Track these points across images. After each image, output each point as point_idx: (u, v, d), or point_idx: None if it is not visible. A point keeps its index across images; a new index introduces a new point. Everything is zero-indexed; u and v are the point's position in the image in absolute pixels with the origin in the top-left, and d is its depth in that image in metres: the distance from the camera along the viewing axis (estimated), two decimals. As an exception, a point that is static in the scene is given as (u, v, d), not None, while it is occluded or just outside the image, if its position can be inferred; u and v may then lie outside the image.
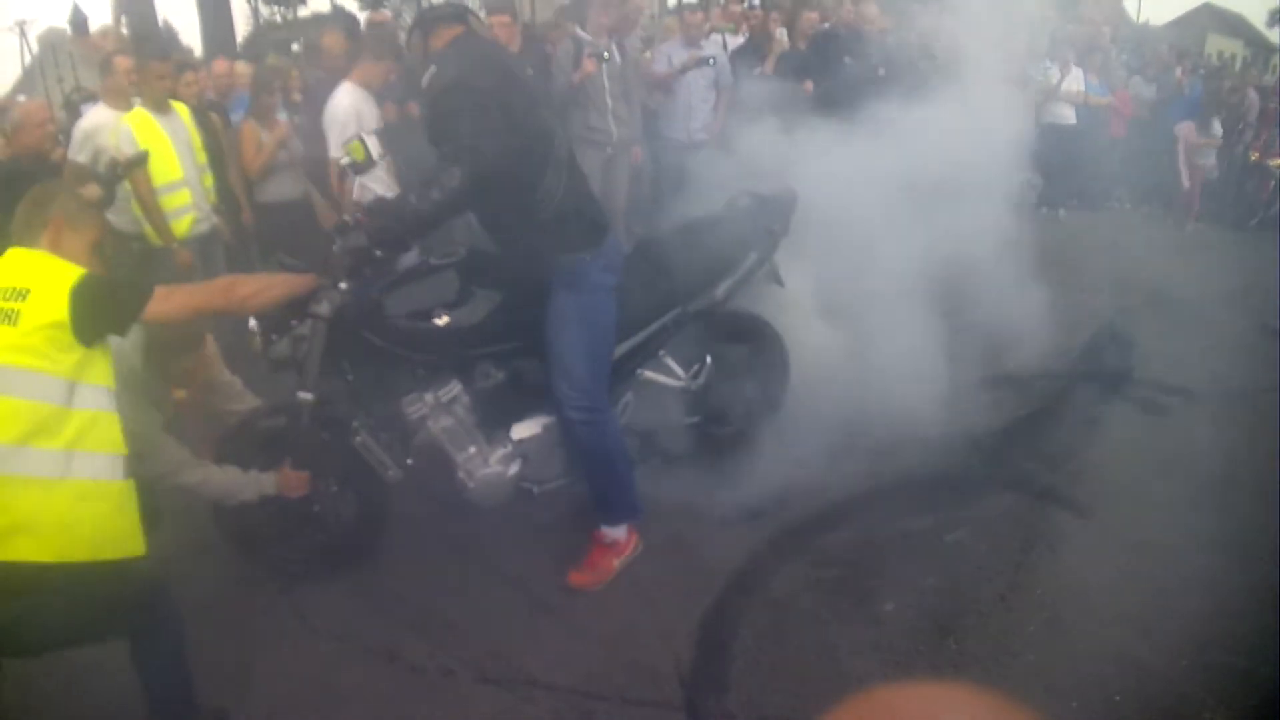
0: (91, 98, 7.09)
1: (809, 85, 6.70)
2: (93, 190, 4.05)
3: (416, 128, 4.37)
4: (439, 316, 3.20)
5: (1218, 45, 33.80)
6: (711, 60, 6.55)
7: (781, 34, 7.26)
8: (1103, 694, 2.77)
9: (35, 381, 2.22)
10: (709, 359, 3.92)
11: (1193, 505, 3.59)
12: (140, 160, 4.53)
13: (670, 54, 6.75)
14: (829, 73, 6.77)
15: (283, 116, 5.77)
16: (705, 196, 4.36)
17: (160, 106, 4.87)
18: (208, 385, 3.59)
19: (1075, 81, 9.06)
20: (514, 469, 3.39)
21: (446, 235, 4.29)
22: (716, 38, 7.32)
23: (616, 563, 3.41)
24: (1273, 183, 9.52)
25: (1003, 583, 3.33)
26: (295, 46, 9.74)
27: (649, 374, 3.73)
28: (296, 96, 6.30)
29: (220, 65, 6.96)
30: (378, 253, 2.98)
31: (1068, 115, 8.96)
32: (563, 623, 3.20)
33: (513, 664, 2.99)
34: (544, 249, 3.14)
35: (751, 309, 4.01)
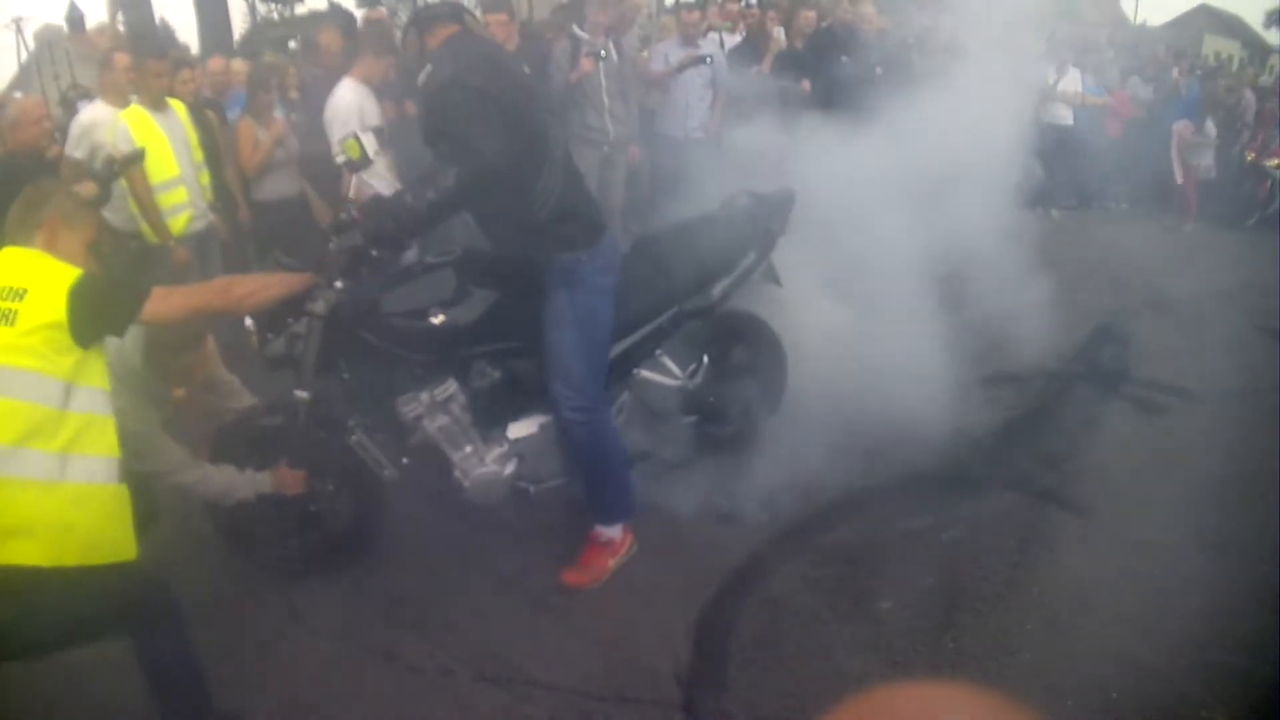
0: (88, 95, 7.08)
1: (806, 84, 6.70)
2: (89, 188, 4.05)
3: (414, 126, 4.37)
4: (435, 315, 3.20)
5: (1214, 46, 33.88)
6: (708, 59, 6.55)
7: (779, 33, 7.27)
8: (1101, 693, 2.77)
9: (33, 383, 2.21)
10: (706, 358, 3.91)
11: (1190, 504, 3.59)
12: (136, 157, 4.52)
13: (667, 53, 6.75)
14: (826, 72, 6.77)
15: (279, 114, 5.77)
16: (702, 195, 4.36)
17: (157, 104, 4.86)
18: (207, 384, 3.59)
19: (1072, 82, 9.08)
20: (510, 468, 3.38)
21: (443, 234, 4.28)
22: (714, 36, 7.32)
23: (611, 562, 3.40)
24: (1269, 183, 9.53)
25: (1000, 581, 3.33)
26: (292, 44, 9.73)
27: (646, 373, 3.73)
28: (293, 94, 6.29)
29: (217, 63, 6.95)
30: (373, 252, 2.97)
31: (1065, 115, 8.98)
32: (561, 622, 3.20)
33: (511, 663, 2.99)
34: (540, 248, 3.14)
35: (749, 308, 4.00)
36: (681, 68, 6.52)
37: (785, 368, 4.09)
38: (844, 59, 6.92)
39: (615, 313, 3.30)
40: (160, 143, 4.77)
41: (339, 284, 2.98)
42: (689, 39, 6.73)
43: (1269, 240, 8.18)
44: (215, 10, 11.39)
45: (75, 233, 2.47)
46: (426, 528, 3.65)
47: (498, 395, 3.36)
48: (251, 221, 5.72)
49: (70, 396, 2.26)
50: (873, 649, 3.01)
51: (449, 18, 3.08)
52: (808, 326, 4.25)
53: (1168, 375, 5.06)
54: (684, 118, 6.62)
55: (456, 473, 3.30)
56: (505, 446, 3.38)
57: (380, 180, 4.72)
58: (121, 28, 9.83)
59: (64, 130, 5.41)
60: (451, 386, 3.26)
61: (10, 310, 2.21)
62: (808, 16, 7.40)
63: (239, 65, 6.95)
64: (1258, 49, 36.42)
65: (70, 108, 7.64)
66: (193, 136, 5.07)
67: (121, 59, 5.09)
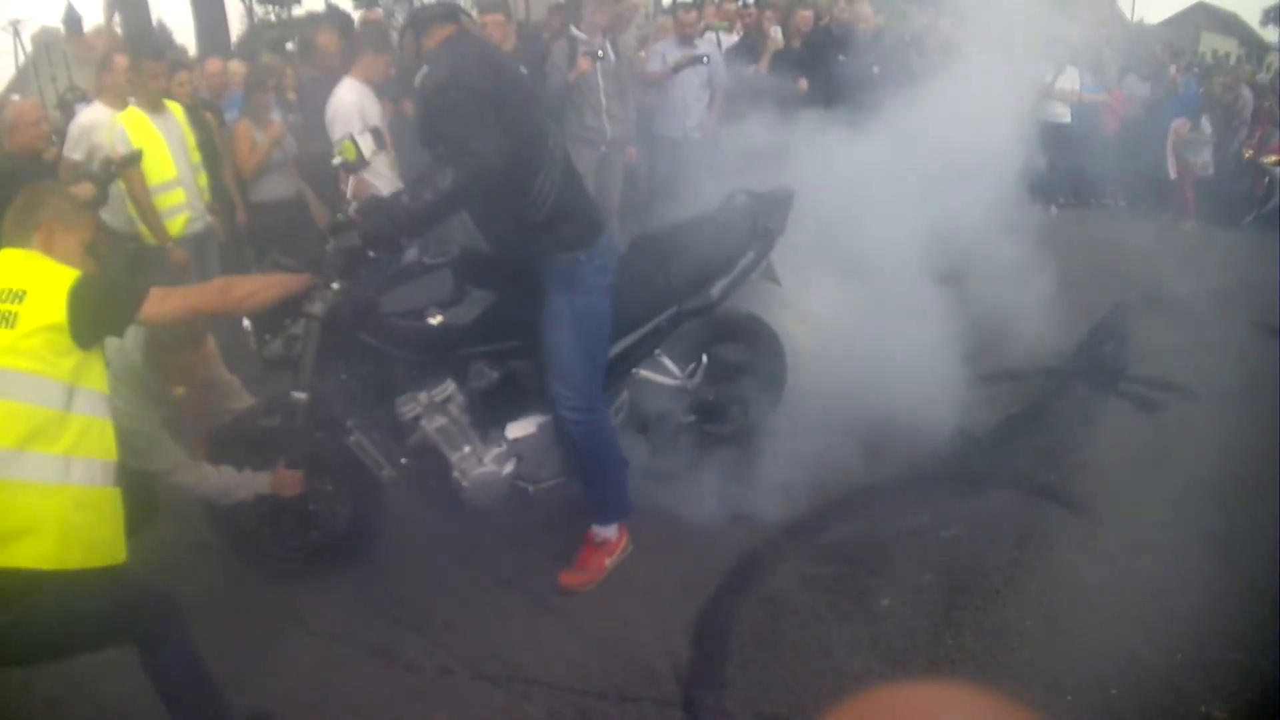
0: (85, 97, 7.07)
1: (803, 83, 6.71)
2: (86, 189, 4.05)
3: (412, 126, 4.37)
4: (433, 316, 3.20)
5: (1212, 44, 33.86)
6: (705, 59, 6.55)
7: (776, 32, 7.28)
8: (1100, 689, 2.77)
9: (34, 385, 2.21)
10: (705, 358, 3.91)
11: (1189, 501, 3.59)
12: (134, 159, 4.52)
13: (664, 53, 6.76)
14: (823, 71, 6.78)
15: (277, 115, 5.77)
16: (700, 195, 4.36)
17: (154, 106, 4.87)
18: (207, 384, 3.59)
19: (1070, 80, 9.08)
20: (509, 468, 3.38)
21: (441, 234, 4.28)
22: (711, 36, 7.33)
23: (608, 562, 3.40)
24: (1267, 180, 9.54)
25: (999, 579, 3.34)
26: (290, 45, 9.70)
27: (645, 373, 3.73)
28: (291, 95, 6.29)
29: (214, 64, 6.95)
30: (371, 253, 2.97)
31: (1062, 113, 8.98)
32: (560, 621, 3.20)
33: (510, 662, 2.99)
34: (538, 248, 3.13)
35: (748, 308, 4.00)
36: (678, 68, 6.53)
37: (784, 367, 4.09)
38: (841, 58, 6.93)
39: (614, 312, 3.30)
40: (158, 144, 4.78)
41: (336, 285, 2.98)
42: (686, 39, 6.74)
43: (1266, 237, 8.18)
44: (212, 11, 11.38)
45: (72, 234, 2.47)
46: (425, 528, 3.65)
47: (496, 395, 3.36)
48: (249, 223, 5.72)
49: (73, 398, 2.26)
50: (872, 647, 3.01)
51: (446, 18, 3.07)
52: (806, 325, 4.25)
53: (1166, 372, 5.07)
54: (681, 118, 6.62)
55: (455, 473, 3.30)
56: (504, 446, 3.37)
57: (382, 179, 4.74)
58: (119, 30, 9.81)
59: (61, 133, 5.41)
60: (450, 387, 3.26)
61: (10, 313, 2.21)
62: (805, 16, 7.42)
63: (236, 67, 6.94)
64: (1255, 46, 36.45)
65: (68, 110, 7.63)
66: (190, 138, 5.07)
67: (120, 60, 5.09)
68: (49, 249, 2.40)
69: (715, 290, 3.69)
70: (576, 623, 3.19)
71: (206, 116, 5.70)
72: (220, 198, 5.46)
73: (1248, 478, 3.79)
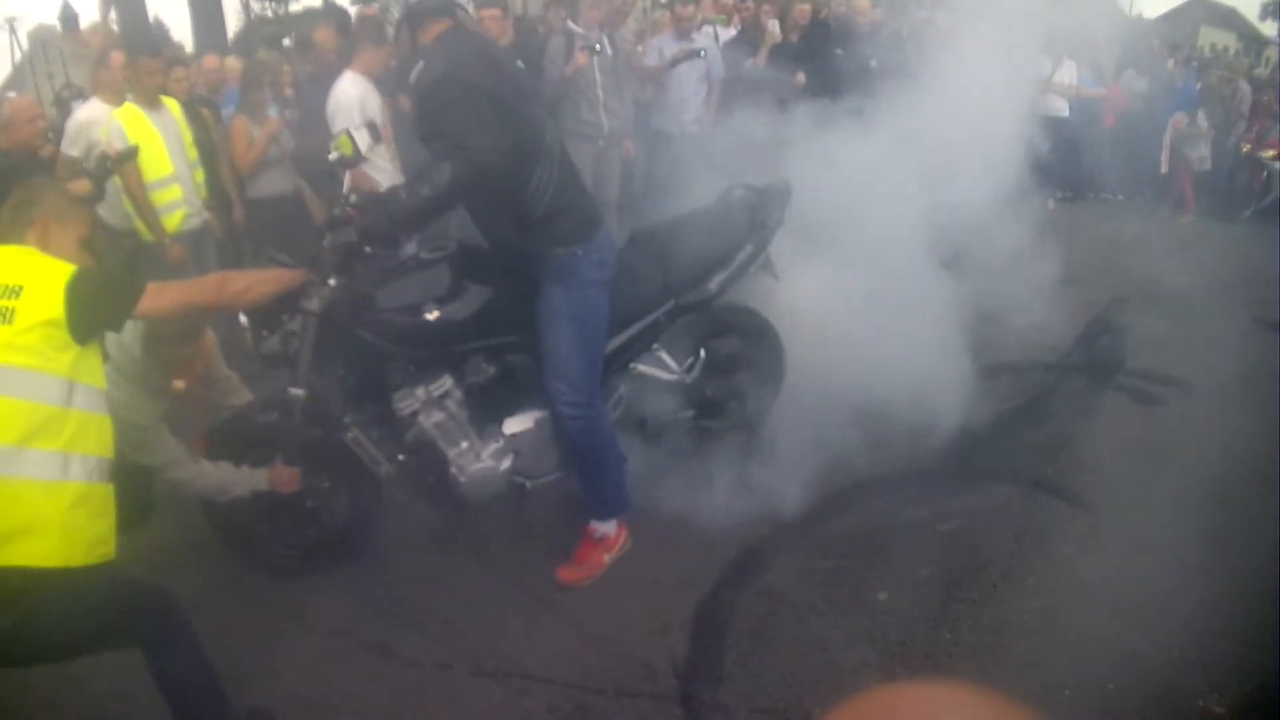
0: (81, 94, 7.05)
1: (801, 77, 6.70)
2: (82, 185, 4.04)
3: (412, 120, 4.37)
4: (430, 311, 3.19)
5: (1210, 38, 33.80)
6: (702, 53, 6.53)
7: (774, 26, 7.25)
8: (1098, 684, 2.78)
9: (33, 381, 2.20)
10: (703, 352, 3.91)
11: (1187, 496, 3.59)
12: (129, 155, 4.51)
13: (661, 47, 6.74)
14: (821, 64, 6.77)
15: (273, 111, 5.75)
16: (698, 189, 4.35)
17: (151, 102, 4.86)
18: (207, 379, 3.58)
19: (1068, 74, 9.07)
20: (506, 464, 3.38)
21: (438, 229, 4.27)
22: (708, 30, 7.31)
23: (606, 558, 3.41)
24: (1265, 174, 9.53)
25: (997, 573, 3.34)
26: (286, 41, 9.67)
27: (643, 368, 3.72)
28: (288, 91, 6.27)
29: (211, 60, 6.94)
30: (367, 249, 2.96)
31: (1060, 107, 8.97)
32: (558, 617, 3.20)
33: (509, 658, 2.99)
34: (535, 243, 3.13)
35: (746, 302, 4.00)
36: (675, 62, 6.51)
37: (782, 361, 4.08)
38: (839, 52, 6.92)
39: (611, 307, 3.29)
40: (154, 141, 4.77)
41: (333, 281, 2.98)
42: (683, 33, 6.72)
43: (1264, 232, 8.18)
44: (209, 8, 11.34)
45: (67, 229, 2.46)
46: (423, 524, 3.65)
47: (493, 391, 3.35)
48: (246, 219, 5.71)
49: (72, 394, 2.25)
50: (869, 640, 3.01)
51: (441, 13, 3.06)
52: (804, 319, 4.24)
53: (1164, 367, 5.07)
54: (679, 112, 6.62)
55: (453, 469, 3.30)
56: (501, 442, 3.37)
57: (383, 173, 4.73)
58: (115, 26, 9.77)
59: (58, 130, 5.40)
60: (447, 382, 3.26)
61: (8, 308, 2.20)
62: (802, 9, 7.39)
63: (233, 63, 6.93)
64: (1253, 41, 36.37)
65: (64, 107, 7.59)
66: (187, 134, 5.06)
67: (117, 57, 5.09)
68: (45, 244, 2.40)
69: (713, 284, 3.69)
70: (575, 618, 3.19)
71: (203, 113, 5.68)
72: (217, 194, 5.46)
73: (1246, 472, 3.80)
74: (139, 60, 4.89)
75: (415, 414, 3.24)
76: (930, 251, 4.49)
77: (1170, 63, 11.14)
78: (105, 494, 2.35)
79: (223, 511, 3.28)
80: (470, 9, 5.36)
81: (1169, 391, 4.84)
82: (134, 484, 2.58)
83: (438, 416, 3.25)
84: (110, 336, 2.44)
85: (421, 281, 3.24)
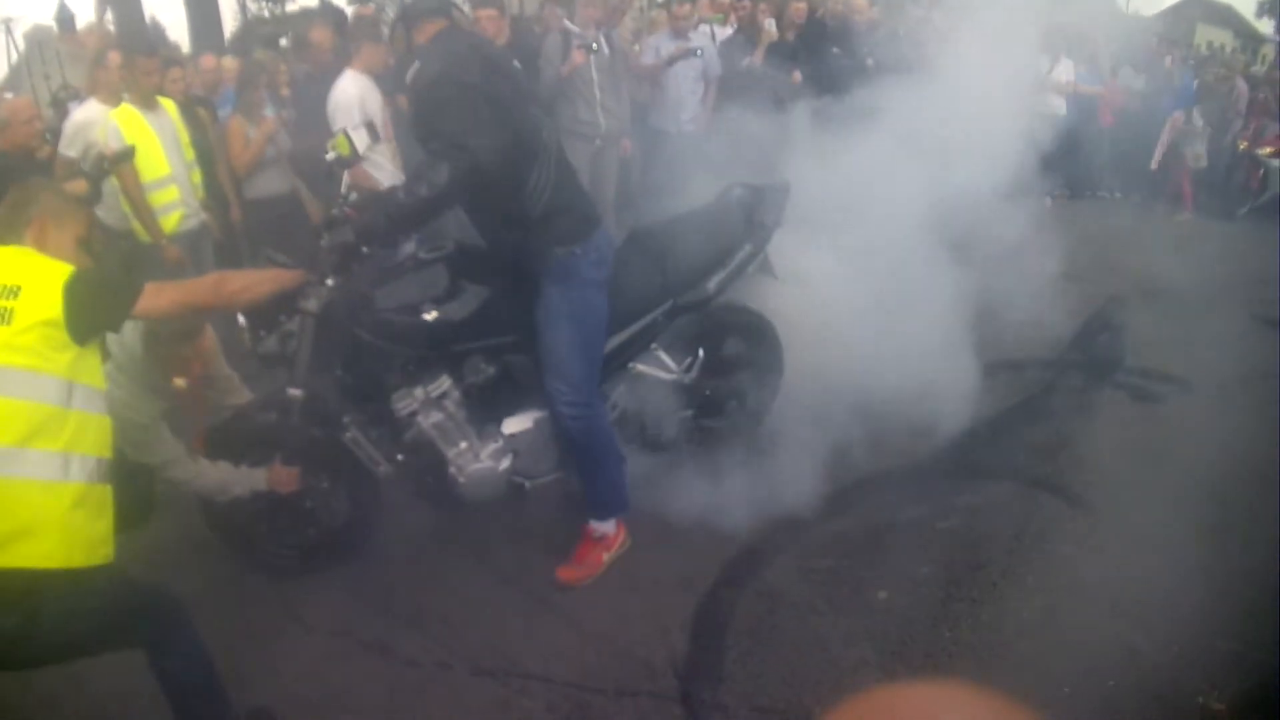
0: (78, 95, 7.05)
1: (798, 76, 6.69)
2: (79, 186, 4.03)
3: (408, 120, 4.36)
4: (428, 311, 3.19)
5: (1207, 35, 33.83)
6: (699, 52, 6.53)
7: (770, 25, 7.24)
8: (1097, 682, 2.78)
9: (32, 381, 2.20)
10: (701, 352, 3.90)
11: (1186, 494, 3.59)
12: (126, 155, 4.51)
13: (658, 46, 6.74)
14: (818, 63, 6.77)
15: (270, 112, 5.74)
16: (695, 188, 4.35)
17: (147, 102, 4.85)
18: (207, 378, 3.57)
19: (1065, 72, 9.08)
20: (505, 464, 3.38)
21: (436, 229, 4.27)
22: (704, 29, 7.31)
23: (605, 557, 3.40)
24: (1262, 171, 9.54)
25: (997, 571, 3.34)
26: (283, 41, 9.67)
27: (641, 367, 3.72)
28: (284, 91, 6.26)
29: (207, 61, 6.93)
30: (365, 249, 2.96)
31: (1058, 105, 8.98)
32: (558, 616, 3.20)
33: (508, 657, 2.99)
34: (533, 243, 3.13)
35: (744, 301, 3.99)
36: (672, 61, 6.51)
37: (781, 360, 4.08)
38: (835, 50, 6.92)
39: (610, 307, 3.29)
40: (151, 141, 4.76)
41: (331, 281, 2.97)
42: (680, 32, 6.72)
43: (1262, 229, 8.19)
44: (205, 8, 11.35)
45: (64, 229, 2.46)
46: (420, 523, 3.65)
47: (492, 390, 3.35)
48: (243, 219, 5.70)
49: (71, 394, 2.25)
50: (869, 639, 3.01)
51: (437, 12, 3.06)
52: (803, 318, 4.24)
53: (1163, 364, 5.07)
54: (676, 111, 6.61)
55: (452, 469, 3.29)
56: (500, 442, 3.37)
57: (383, 172, 4.73)
58: (111, 27, 9.77)
59: (55, 131, 5.39)
60: (445, 382, 3.26)
61: (6, 309, 2.19)
62: (799, 8, 7.38)
63: (230, 63, 6.91)
64: (1250, 38, 36.37)
65: (61, 108, 7.60)
66: (184, 135, 5.06)
67: (114, 57, 5.07)
68: (42, 245, 2.39)
69: (711, 284, 3.69)
70: (574, 618, 3.18)
71: (200, 113, 5.68)
72: (214, 194, 5.45)
73: (1246, 471, 3.79)
74: (135, 61, 4.88)
75: (414, 414, 3.24)
76: (930, 251, 4.48)
77: (1167, 60, 11.13)
78: (104, 494, 2.35)
79: (222, 511, 3.27)
80: (466, 8, 5.36)
81: (1168, 389, 4.84)
82: (134, 484, 2.58)
83: (436, 416, 3.25)
84: (111, 335, 2.43)
85: (419, 281, 3.23)
